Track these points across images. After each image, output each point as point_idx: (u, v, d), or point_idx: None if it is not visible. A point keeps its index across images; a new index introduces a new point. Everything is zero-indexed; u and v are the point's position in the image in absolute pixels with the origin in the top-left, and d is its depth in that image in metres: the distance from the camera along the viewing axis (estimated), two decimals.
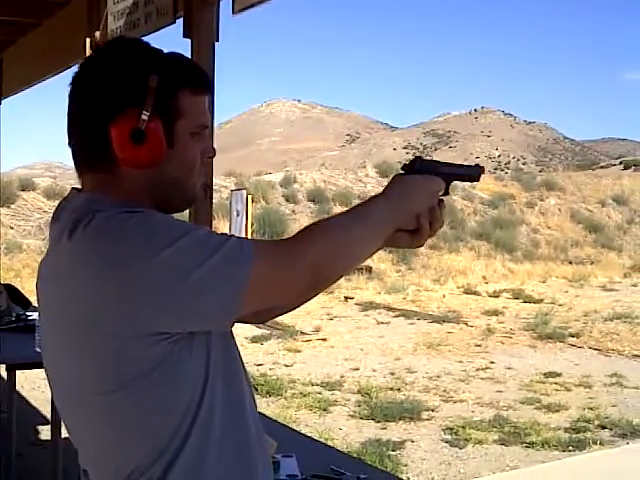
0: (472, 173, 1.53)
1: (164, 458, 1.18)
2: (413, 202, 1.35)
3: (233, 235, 1.20)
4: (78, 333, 1.17)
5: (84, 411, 1.22)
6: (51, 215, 1.31)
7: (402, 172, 1.39)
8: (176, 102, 1.24)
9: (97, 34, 3.84)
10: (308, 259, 1.20)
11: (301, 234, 1.24)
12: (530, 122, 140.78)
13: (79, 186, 1.31)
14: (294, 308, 1.37)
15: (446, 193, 1.41)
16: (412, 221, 1.35)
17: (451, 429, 6.51)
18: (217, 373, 1.23)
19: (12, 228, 18.16)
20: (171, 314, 1.14)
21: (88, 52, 3.90)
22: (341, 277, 1.29)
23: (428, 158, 1.46)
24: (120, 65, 1.23)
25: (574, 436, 6.37)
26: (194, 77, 1.28)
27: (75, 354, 1.19)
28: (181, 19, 3.07)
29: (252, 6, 2.58)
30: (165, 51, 1.28)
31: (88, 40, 3.90)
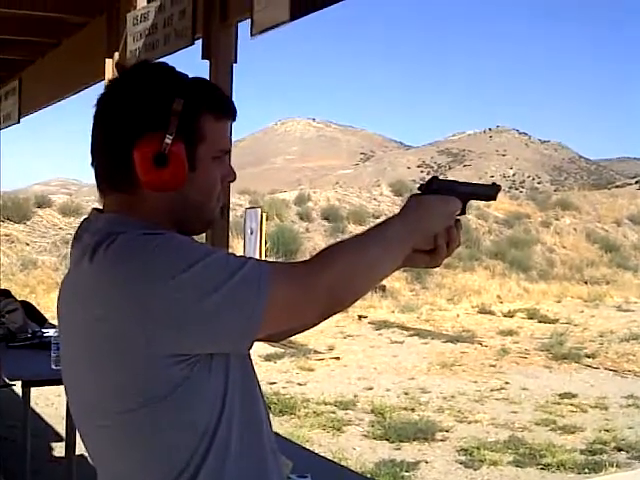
0: (489, 192, 1.53)
1: (183, 477, 1.19)
2: (430, 222, 1.35)
3: (251, 258, 1.21)
4: (99, 354, 1.18)
5: (103, 431, 1.23)
6: (72, 235, 1.33)
7: (419, 192, 1.40)
8: (199, 126, 1.25)
9: (116, 55, 3.88)
10: (325, 281, 1.21)
11: (318, 256, 1.25)
12: (545, 141, 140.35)
13: (99, 206, 1.33)
14: (310, 328, 1.38)
15: (463, 212, 1.41)
16: (429, 241, 1.35)
17: (466, 450, 6.46)
18: (235, 393, 1.24)
19: (28, 244, 18.26)
20: (190, 336, 1.15)
21: (107, 73, 3.95)
22: (358, 299, 1.29)
23: (444, 178, 1.46)
24: (145, 88, 1.25)
25: (590, 458, 6.30)
26: (218, 102, 1.30)
27: (95, 374, 1.20)
28: (200, 41, 3.11)
29: (270, 29, 2.61)
30: (190, 76, 1.30)
31: (108, 61, 3.95)
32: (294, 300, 1.21)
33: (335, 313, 1.27)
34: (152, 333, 1.14)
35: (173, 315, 1.13)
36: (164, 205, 1.26)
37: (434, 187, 1.39)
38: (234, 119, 1.34)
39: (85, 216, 1.34)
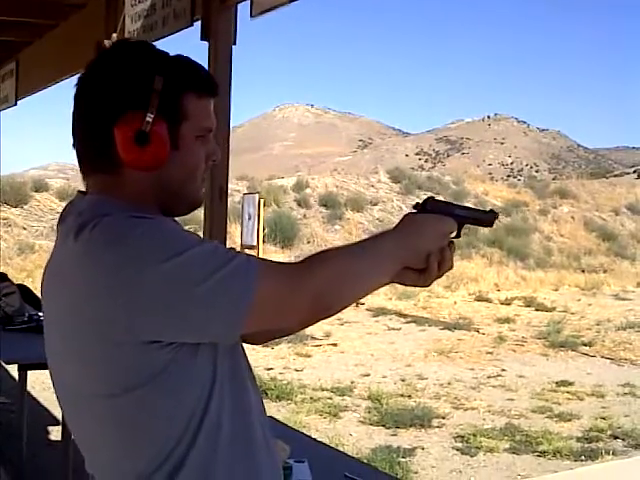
0: (485, 217, 1.50)
1: (170, 463, 1.18)
2: (423, 241, 1.33)
3: (241, 252, 1.20)
4: (83, 338, 1.16)
5: (89, 415, 1.22)
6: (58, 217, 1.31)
7: (414, 211, 1.38)
8: (181, 104, 1.23)
9: (114, 36, 3.84)
10: (311, 286, 1.20)
11: (308, 260, 1.24)
12: (543, 129, 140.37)
13: (83, 188, 1.31)
14: (294, 332, 1.35)
15: (458, 236, 1.39)
16: (421, 260, 1.33)
17: (462, 437, 6.48)
18: (224, 379, 1.22)
19: (25, 229, 18.24)
20: (173, 325, 1.13)
21: None
22: (344, 308, 1.27)
23: (440, 198, 1.44)
24: (125, 67, 1.22)
25: (586, 446, 6.32)
26: (200, 80, 1.28)
27: (80, 359, 1.18)
28: (199, 22, 3.07)
29: (270, 10, 2.57)
30: (171, 54, 1.27)
31: (106, 43, 3.90)
32: (280, 299, 1.19)
33: (318, 320, 1.25)
34: (137, 319, 1.12)
35: (159, 302, 1.11)
36: (147, 185, 1.24)
37: (428, 207, 1.38)
38: (215, 95, 1.31)
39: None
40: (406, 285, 1.38)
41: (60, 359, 1.25)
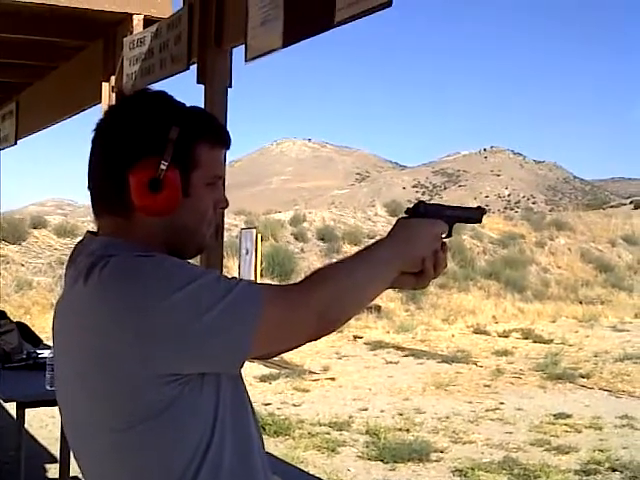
0: (474, 215, 1.57)
1: None
2: (417, 246, 1.38)
3: (242, 279, 1.25)
4: (93, 374, 1.21)
5: (96, 449, 1.25)
6: (67, 256, 1.36)
7: (405, 216, 1.44)
8: (194, 154, 1.29)
9: (112, 79, 3.93)
10: (315, 304, 1.25)
11: (308, 279, 1.29)
12: (539, 161, 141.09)
13: (93, 229, 1.36)
14: (299, 347, 1.40)
15: (449, 235, 1.44)
16: (416, 264, 1.38)
17: (460, 471, 6.45)
18: (226, 413, 1.26)
19: (23, 265, 18.23)
20: (181, 356, 1.17)
21: (104, 96, 4.00)
22: (348, 320, 1.33)
23: (431, 202, 1.50)
24: (143, 115, 1.28)
25: (584, 478, 6.30)
26: (213, 131, 1.34)
27: (88, 394, 1.23)
28: (195, 66, 3.16)
29: (264, 54, 2.65)
30: (187, 105, 1.34)
31: (104, 84, 3.99)
32: (285, 320, 1.24)
33: (326, 334, 1.30)
34: (144, 353, 1.16)
35: (165, 335, 1.16)
36: (157, 229, 1.29)
37: (421, 211, 1.43)
38: (228, 147, 1.38)
39: (80, 238, 1.38)
40: (403, 289, 1.44)
41: (70, 395, 1.29)
